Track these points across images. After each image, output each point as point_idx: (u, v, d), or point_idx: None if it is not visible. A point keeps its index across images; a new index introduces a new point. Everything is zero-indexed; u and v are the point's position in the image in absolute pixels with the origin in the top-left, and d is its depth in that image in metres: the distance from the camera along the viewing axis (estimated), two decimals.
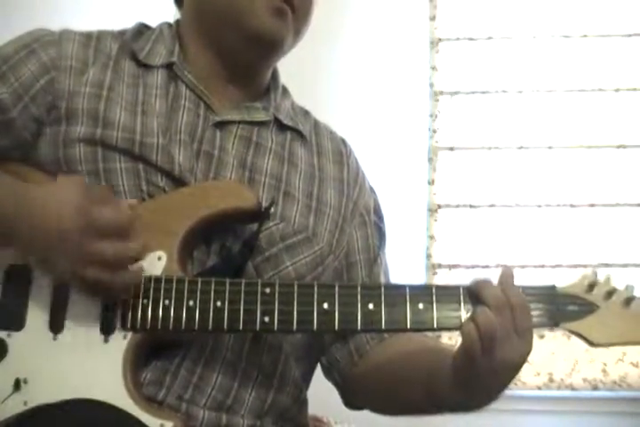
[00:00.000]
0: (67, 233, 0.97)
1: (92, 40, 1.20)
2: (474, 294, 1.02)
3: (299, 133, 1.26)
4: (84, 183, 1.02)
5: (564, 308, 1.04)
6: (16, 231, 1.01)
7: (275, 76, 1.30)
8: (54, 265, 1.00)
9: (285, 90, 1.32)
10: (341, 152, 1.31)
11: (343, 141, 1.34)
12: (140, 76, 1.18)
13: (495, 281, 1.03)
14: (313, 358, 1.24)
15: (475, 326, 0.98)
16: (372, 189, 1.34)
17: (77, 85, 1.14)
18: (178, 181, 1.11)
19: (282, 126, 1.25)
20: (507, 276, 1.02)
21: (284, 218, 1.16)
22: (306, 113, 1.33)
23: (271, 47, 1.21)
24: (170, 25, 1.27)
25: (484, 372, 0.99)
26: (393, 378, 1.17)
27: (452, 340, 2.40)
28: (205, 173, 1.14)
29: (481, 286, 1.01)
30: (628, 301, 1.04)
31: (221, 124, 1.19)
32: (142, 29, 1.26)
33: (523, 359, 1.01)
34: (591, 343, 1.03)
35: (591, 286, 1.05)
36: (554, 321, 1.03)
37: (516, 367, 1.01)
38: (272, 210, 1.12)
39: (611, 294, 1.04)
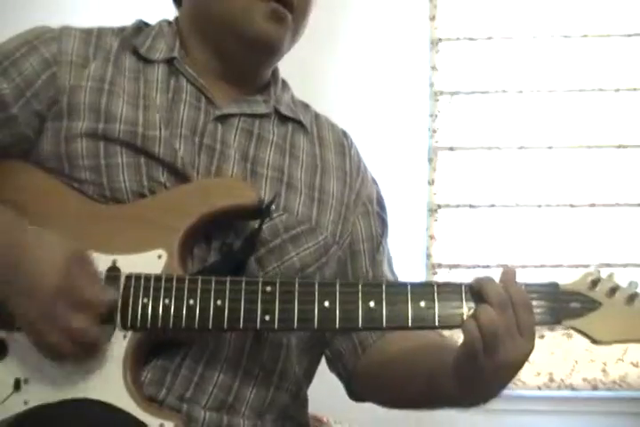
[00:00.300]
0: (43, 292, 0.96)
1: (92, 36, 1.20)
2: (476, 292, 1.02)
3: (300, 125, 1.26)
4: (78, 251, 1.01)
5: (567, 305, 1.03)
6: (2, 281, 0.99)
7: (274, 70, 1.30)
8: (28, 325, 0.99)
9: (285, 83, 1.32)
10: (343, 143, 1.31)
11: (344, 133, 1.34)
12: (141, 71, 1.18)
13: (497, 279, 1.02)
14: (316, 352, 1.24)
15: (476, 325, 0.98)
16: (373, 179, 1.35)
17: (79, 80, 1.14)
18: (179, 175, 1.11)
19: (283, 118, 1.25)
20: (509, 274, 1.02)
21: (288, 209, 1.16)
22: (306, 106, 1.34)
23: (269, 51, 1.21)
24: (169, 22, 1.27)
25: (485, 369, 0.99)
26: (395, 373, 1.17)
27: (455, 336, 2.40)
28: (207, 167, 1.14)
29: (483, 283, 1.01)
30: (632, 298, 1.03)
31: (222, 118, 1.19)
32: (142, 26, 1.26)
33: (524, 358, 1.00)
34: (594, 341, 1.02)
35: (594, 283, 1.04)
36: (556, 318, 1.03)
37: (517, 365, 1.01)
38: (273, 207, 1.12)
39: (614, 291, 1.04)
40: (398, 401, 1.22)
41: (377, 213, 1.31)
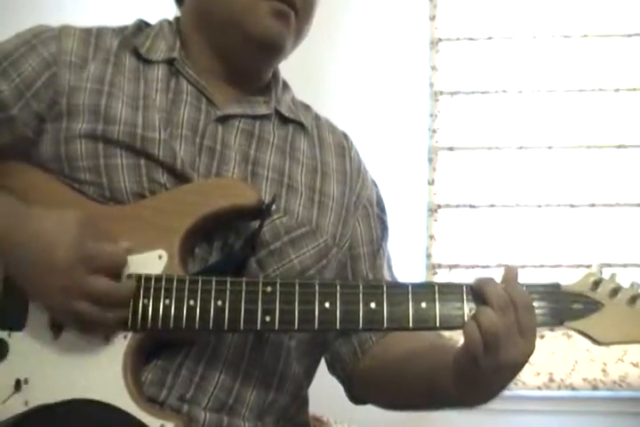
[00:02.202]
0: (59, 264, 0.97)
1: (92, 36, 1.19)
2: (477, 293, 1.01)
3: (301, 126, 1.26)
4: (86, 218, 1.02)
5: (569, 306, 1.03)
6: (9, 256, 1.01)
7: (275, 72, 1.30)
8: (45, 296, 1.00)
9: (286, 84, 1.32)
10: (343, 145, 1.31)
11: (344, 135, 1.34)
12: (141, 71, 1.18)
13: (499, 279, 1.02)
14: (317, 354, 1.24)
15: (477, 326, 0.98)
16: (374, 182, 1.35)
17: (78, 81, 1.14)
18: (180, 177, 1.11)
19: (283, 119, 1.24)
20: (510, 274, 1.02)
21: (288, 211, 1.16)
22: (306, 107, 1.33)
23: (272, 50, 1.20)
24: (169, 22, 1.27)
25: (485, 370, 0.99)
26: (395, 374, 1.17)
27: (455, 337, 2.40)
28: (208, 168, 1.13)
29: (484, 284, 1.01)
30: (634, 299, 1.03)
31: (223, 119, 1.18)
32: (142, 26, 1.26)
33: (525, 359, 1.00)
34: (596, 342, 1.02)
35: (596, 284, 1.04)
36: (558, 320, 1.03)
37: (517, 367, 1.00)
38: (274, 207, 1.11)
39: (616, 291, 1.03)
40: (399, 403, 1.22)
41: (377, 216, 1.31)
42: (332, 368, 1.26)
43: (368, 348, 1.22)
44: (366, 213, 1.29)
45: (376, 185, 1.35)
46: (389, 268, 1.31)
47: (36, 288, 1.00)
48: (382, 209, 1.33)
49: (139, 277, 1.03)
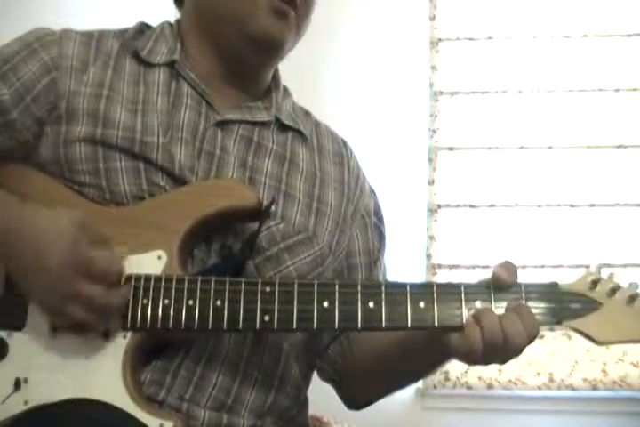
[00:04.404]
0: (52, 267, 0.97)
1: (93, 39, 1.19)
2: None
3: (300, 134, 1.26)
4: (83, 220, 1.01)
5: (567, 305, 1.03)
6: (7, 257, 1.01)
7: (275, 76, 1.29)
8: (40, 297, 1.00)
9: (286, 90, 1.31)
10: (342, 153, 1.31)
11: (344, 143, 1.34)
12: (141, 75, 1.18)
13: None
14: (312, 358, 1.24)
15: (480, 331, 0.99)
16: (372, 190, 1.34)
17: (78, 85, 1.14)
18: (178, 180, 1.11)
19: (283, 127, 1.24)
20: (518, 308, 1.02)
21: (285, 218, 1.16)
22: (306, 113, 1.33)
23: (273, 48, 1.20)
24: (171, 24, 1.27)
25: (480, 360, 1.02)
26: (380, 354, 1.18)
27: None
28: (206, 172, 1.13)
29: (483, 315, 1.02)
30: (632, 298, 1.03)
31: (223, 124, 1.18)
32: (143, 28, 1.25)
33: (520, 352, 1.02)
34: (595, 341, 1.02)
35: (594, 284, 1.04)
36: (557, 319, 1.03)
37: (513, 357, 1.03)
38: (272, 209, 1.11)
39: (614, 291, 1.03)
40: (390, 383, 1.23)
41: (375, 225, 1.31)
42: (323, 372, 1.26)
43: (354, 338, 1.23)
44: (364, 222, 1.28)
45: (374, 194, 1.34)
46: (384, 279, 1.31)
47: (31, 290, 1.00)
48: (380, 219, 1.33)
49: (138, 277, 1.03)
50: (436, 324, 1.02)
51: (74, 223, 1.00)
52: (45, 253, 0.97)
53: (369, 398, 1.25)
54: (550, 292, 1.04)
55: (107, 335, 1.02)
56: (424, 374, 1.22)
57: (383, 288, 1.03)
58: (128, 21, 1.27)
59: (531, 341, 1.01)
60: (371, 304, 1.02)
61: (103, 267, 0.99)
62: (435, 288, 1.03)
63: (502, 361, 1.04)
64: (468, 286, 1.04)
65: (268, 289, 1.02)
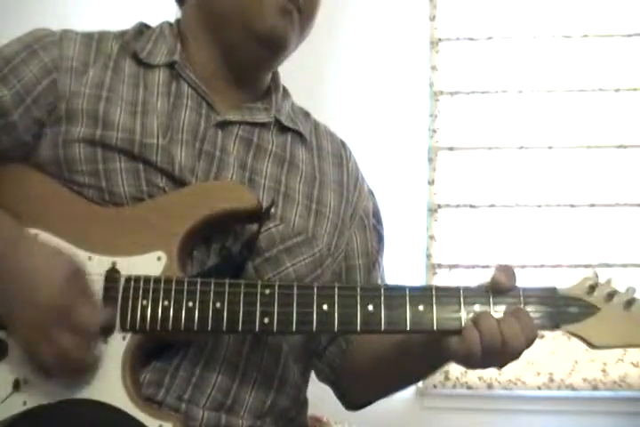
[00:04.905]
0: (46, 308, 0.96)
1: (93, 41, 1.19)
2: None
3: (299, 135, 1.26)
4: (78, 267, 1.00)
5: (565, 310, 1.03)
6: None
7: (275, 76, 1.29)
8: (22, 332, 0.99)
9: (286, 91, 1.31)
10: (341, 155, 1.31)
11: (343, 144, 1.34)
12: (141, 76, 1.18)
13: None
14: (310, 359, 1.24)
15: (478, 335, 0.99)
16: (371, 192, 1.34)
17: (78, 86, 1.14)
18: (178, 182, 1.11)
19: (282, 128, 1.24)
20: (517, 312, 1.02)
21: (284, 219, 1.16)
22: (306, 114, 1.33)
23: (277, 47, 1.20)
24: (170, 24, 1.26)
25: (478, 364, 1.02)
26: (378, 355, 1.18)
27: None
28: (206, 173, 1.13)
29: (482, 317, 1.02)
30: (629, 303, 1.03)
31: (223, 124, 1.18)
32: (143, 29, 1.25)
33: (518, 356, 1.02)
34: (592, 346, 1.02)
35: (592, 288, 1.04)
36: (554, 323, 1.03)
37: (511, 361, 1.03)
38: (272, 210, 1.12)
39: (612, 296, 1.03)
40: (390, 383, 1.23)
41: (373, 227, 1.31)
42: (321, 372, 1.26)
43: (352, 339, 1.23)
44: (362, 224, 1.28)
45: (373, 195, 1.34)
46: (383, 282, 1.31)
47: (13, 320, 0.99)
48: (379, 220, 1.33)
49: (137, 278, 1.03)
50: (435, 327, 1.02)
51: (69, 269, 0.99)
52: (39, 291, 0.96)
53: (367, 399, 1.26)
54: (548, 296, 1.04)
55: (106, 336, 1.02)
56: (422, 376, 1.22)
57: (382, 291, 1.03)
58: (128, 22, 1.27)
59: (529, 344, 1.01)
60: (370, 307, 1.02)
61: (84, 321, 0.98)
62: (434, 292, 1.03)
63: (500, 365, 1.04)
64: (466, 289, 1.04)
65: (267, 291, 1.02)
